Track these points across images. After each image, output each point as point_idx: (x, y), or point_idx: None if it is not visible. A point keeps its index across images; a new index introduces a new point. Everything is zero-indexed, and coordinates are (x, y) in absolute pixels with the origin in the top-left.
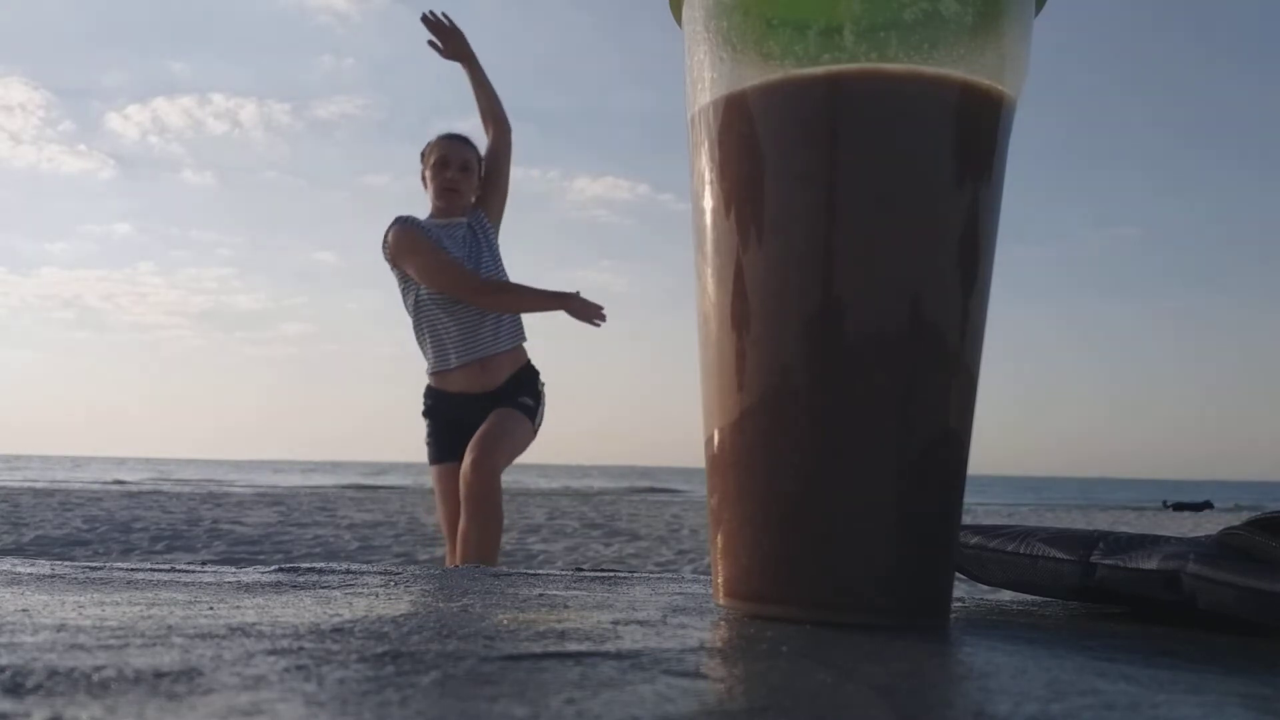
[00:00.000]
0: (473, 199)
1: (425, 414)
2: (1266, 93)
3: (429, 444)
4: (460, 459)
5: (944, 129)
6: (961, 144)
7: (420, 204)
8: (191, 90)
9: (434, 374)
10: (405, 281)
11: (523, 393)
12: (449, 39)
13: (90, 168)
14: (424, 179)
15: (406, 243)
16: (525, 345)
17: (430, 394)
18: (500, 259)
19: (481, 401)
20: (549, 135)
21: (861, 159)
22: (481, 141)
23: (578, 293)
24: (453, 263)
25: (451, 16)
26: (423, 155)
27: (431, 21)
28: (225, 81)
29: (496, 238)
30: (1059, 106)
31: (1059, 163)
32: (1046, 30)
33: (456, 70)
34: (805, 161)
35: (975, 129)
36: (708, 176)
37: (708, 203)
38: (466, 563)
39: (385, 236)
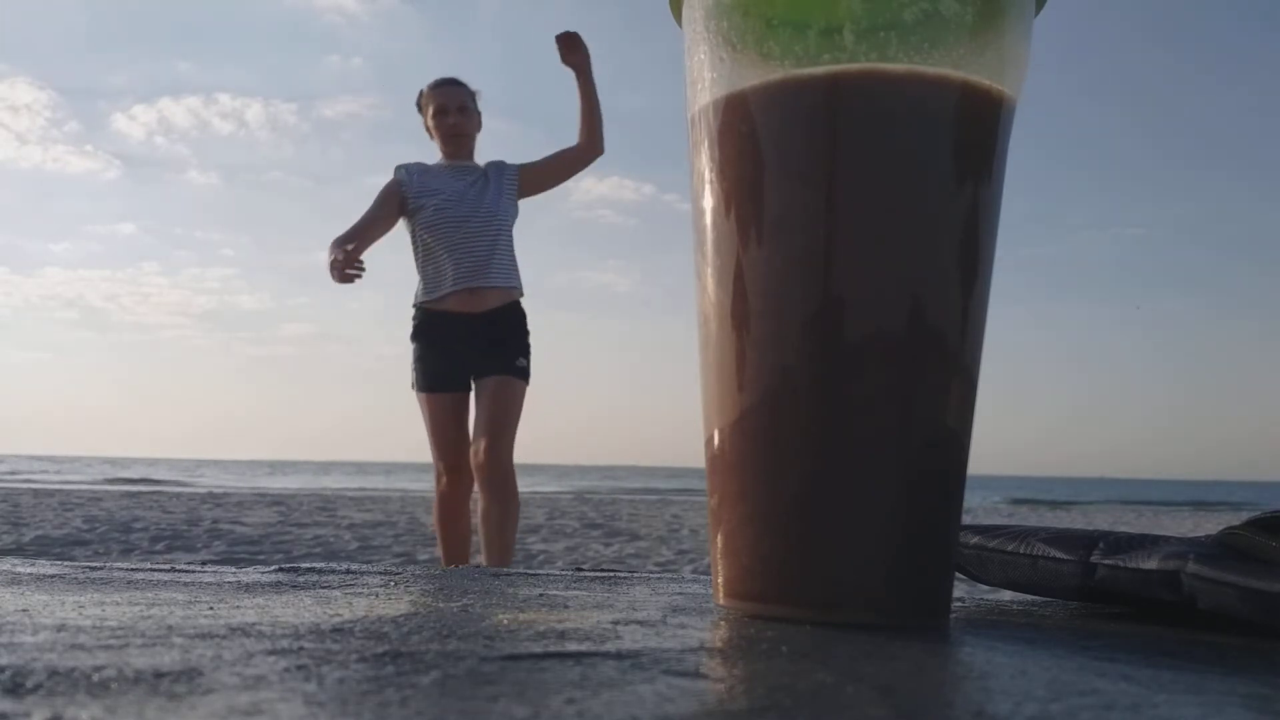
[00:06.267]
0: (477, 134)
1: (414, 335)
2: (1259, 98)
3: (416, 369)
4: (449, 388)
5: (944, 129)
6: (961, 144)
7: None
8: (197, 90)
9: (424, 299)
10: (409, 219)
11: (517, 345)
12: (574, 50)
13: (95, 168)
14: (428, 129)
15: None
16: (520, 295)
17: (420, 314)
18: (511, 205)
19: (471, 324)
20: (554, 135)
21: (861, 159)
22: (466, 80)
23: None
24: (363, 217)
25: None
26: (419, 106)
27: (565, 37)
28: (231, 81)
29: (513, 191)
30: (1059, 106)
31: (1059, 163)
32: (1049, 30)
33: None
34: (805, 161)
35: (975, 129)
36: (708, 176)
37: (708, 203)
38: (493, 544)
39: None
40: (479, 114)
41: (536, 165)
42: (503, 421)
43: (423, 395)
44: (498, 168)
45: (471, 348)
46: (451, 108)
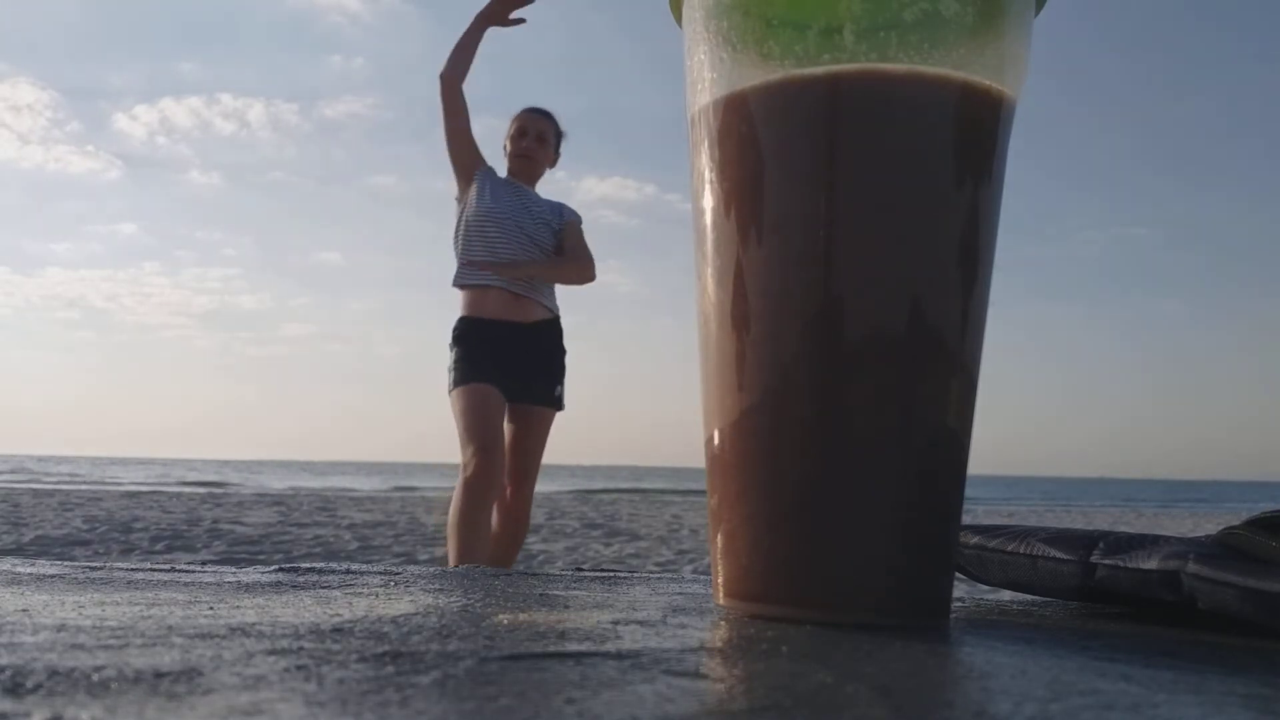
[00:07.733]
0: (546, 168)
1: (455, 342)
2: (1260, 100)
3: (457, 369)
4: (490, 381)
5: (944, 129)
6: (961, 144)
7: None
8: (199, 90)
9: (469, 296)
10: (462, 203)
11: (557, 367)
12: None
13: (97, 168)
14: (504, 147)
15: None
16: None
17: (463, 323)
18: (552, 243)
19: (515, 333)
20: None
21: (861, 159)
22: (559, 115)
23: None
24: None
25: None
26: (510, 125)
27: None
28: (233, 81)
29: (558, 233)
30: (1065, 103)
31: (1062, 161)
32: (1049, 31)
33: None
34: (805, 161)
35: (975, 129)
36: (708, 176)
37: (708, 203)
38: (498, 563)
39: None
40: (558, 155)
41: (568, 240)
42: (532, 464)
43: (460, 389)
44: (558, 209)
45: (515, 354)
46: (531, 132)
